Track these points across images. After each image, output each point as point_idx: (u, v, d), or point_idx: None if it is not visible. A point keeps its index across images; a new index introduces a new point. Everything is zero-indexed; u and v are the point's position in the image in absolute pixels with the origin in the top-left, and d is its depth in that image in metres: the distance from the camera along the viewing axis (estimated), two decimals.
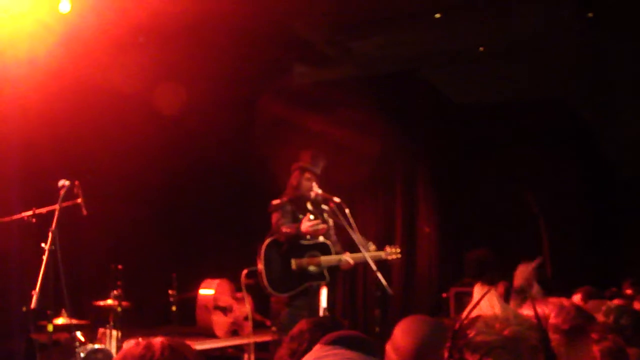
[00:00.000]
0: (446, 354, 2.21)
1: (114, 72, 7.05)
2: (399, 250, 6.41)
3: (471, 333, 2.15)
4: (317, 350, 1.94)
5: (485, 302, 4.28)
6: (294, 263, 6.05)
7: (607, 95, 8.37)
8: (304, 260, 6.10)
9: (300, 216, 6.19)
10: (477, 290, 4.74)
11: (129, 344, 2.03)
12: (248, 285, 6.33)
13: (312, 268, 6.10)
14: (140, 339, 2.02)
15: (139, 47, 7.14)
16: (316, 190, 6.16)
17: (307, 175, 6.25)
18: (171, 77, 7.79)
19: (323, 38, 8.12)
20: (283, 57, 8.45)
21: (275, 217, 6.18)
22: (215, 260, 8.09)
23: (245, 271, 6.19)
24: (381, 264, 6.12)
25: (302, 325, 2.59)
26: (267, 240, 6.07)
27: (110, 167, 7.46)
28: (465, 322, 2.16)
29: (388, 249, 6.34)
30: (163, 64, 7.48)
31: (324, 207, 6.29)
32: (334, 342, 1.97)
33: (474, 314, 2.25)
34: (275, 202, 6.23)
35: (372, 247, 6.24)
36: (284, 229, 6.07)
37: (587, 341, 2.77)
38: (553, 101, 8.63)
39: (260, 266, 5.99)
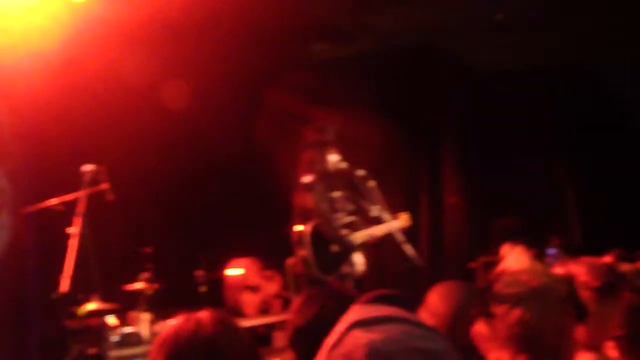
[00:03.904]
0: (475, 311, 2.20)
1: (126, 64, 6.98)
2: (407, 216, 6.28)
3: (499, 285, 2.13)
4: (358, 310, 1.68)
5: (512, 258, 4.23)
6: (334, 244, 5.89)
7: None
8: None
9: (333, 194, 6.03)
10: (505, 250, 4.68)
11: (176, 320, 2.01)
12: (275, 263, 6.29)
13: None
14: (188, 315, 2.00)
15: (151, 40, 7.11)
16: (339, 164, 6.02)
17: (328, 148, 6.05)
18: (183, 68, 7.71)
19: (339, 13, 8.05)
20: (299, 35, 8.36)
21: (308, 198, 5.96)
22: (241, 240, 8.05)
23: (291, 261, 6.02)
24: (407, 236, 6.05)
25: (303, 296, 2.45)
26: (310, 227, 5.86)
27: (129, 153, 7.33)
28: (493, 276, 2.15)
29: (399, 216, 6.21)
30: (174, 56, 7.45)
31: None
32: (378, 300, 1.72)
33: (501, 268, 2.24)
34: (306, 179, 5.98)
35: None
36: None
37: (618, 300, 2.72)
38: (580, 67, 8.51)
39: (306, 253, 5.80)
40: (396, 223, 6.09)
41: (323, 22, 8.15)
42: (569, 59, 8.51)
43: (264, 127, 8.39)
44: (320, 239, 5.88)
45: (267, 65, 8.52)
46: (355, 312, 1.64)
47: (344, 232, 5.96)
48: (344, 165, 6.05)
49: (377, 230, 6.09)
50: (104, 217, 6.50)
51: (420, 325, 1.59)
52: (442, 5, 7.70)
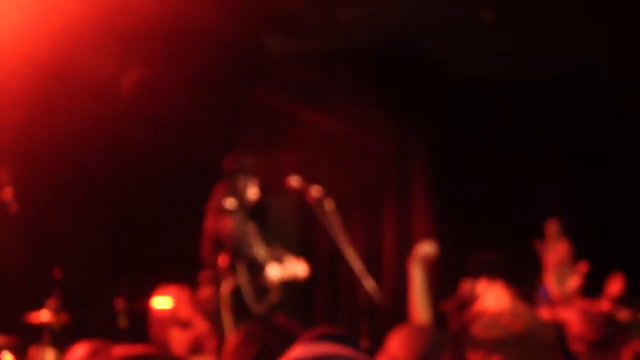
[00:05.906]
0: (448, 356, 2.28)
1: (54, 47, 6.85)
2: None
3: (475, 328, 2.15)
4: (302, 348, 1.79)
5: (490, 296, 4.26)
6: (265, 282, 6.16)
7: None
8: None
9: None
10: (482, 287, 4.70)
11: (78, 351, 2.04)
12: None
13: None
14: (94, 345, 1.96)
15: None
16: (293, 182, 6.06)
17: (245, 178, 6.54)
18: (129, 55, 7.71)
19: (297, 2, 7.99)
20: (255, 27, 8.30)
21: (227, 223, 6.35)
22: (174, 264, 7.87)
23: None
24: (371, 268, 6.00)
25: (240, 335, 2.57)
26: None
27: (38, 152, 7.24)
28: (468, 318, 2.16)
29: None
30: (118, 39, 7.41)
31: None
32: (323, 338, 1.82)
33: (477, 308, 2.31)
34: (229, 203, 6.40)
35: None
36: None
37: (615, 356, 2.71)
38: (575, 77, 8.58)
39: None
40: (295, 266, 6.50)
41: (278, 12, 8.13)
42: (567, 67, 8.54)
43: (204, 132, 8.32)
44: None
45: (211, 60, 8.45)
46: (299, 351, 1.75)
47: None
48: (296, 183, 6.03)
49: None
50: (3, 231, 6.42)
51: None
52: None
